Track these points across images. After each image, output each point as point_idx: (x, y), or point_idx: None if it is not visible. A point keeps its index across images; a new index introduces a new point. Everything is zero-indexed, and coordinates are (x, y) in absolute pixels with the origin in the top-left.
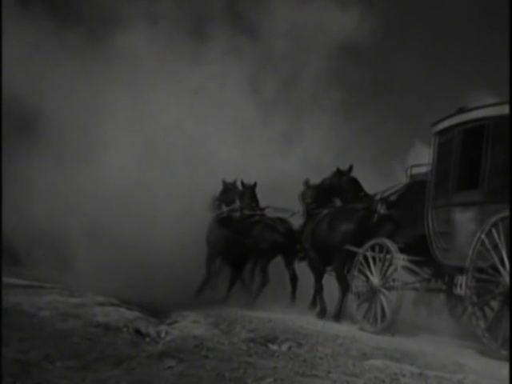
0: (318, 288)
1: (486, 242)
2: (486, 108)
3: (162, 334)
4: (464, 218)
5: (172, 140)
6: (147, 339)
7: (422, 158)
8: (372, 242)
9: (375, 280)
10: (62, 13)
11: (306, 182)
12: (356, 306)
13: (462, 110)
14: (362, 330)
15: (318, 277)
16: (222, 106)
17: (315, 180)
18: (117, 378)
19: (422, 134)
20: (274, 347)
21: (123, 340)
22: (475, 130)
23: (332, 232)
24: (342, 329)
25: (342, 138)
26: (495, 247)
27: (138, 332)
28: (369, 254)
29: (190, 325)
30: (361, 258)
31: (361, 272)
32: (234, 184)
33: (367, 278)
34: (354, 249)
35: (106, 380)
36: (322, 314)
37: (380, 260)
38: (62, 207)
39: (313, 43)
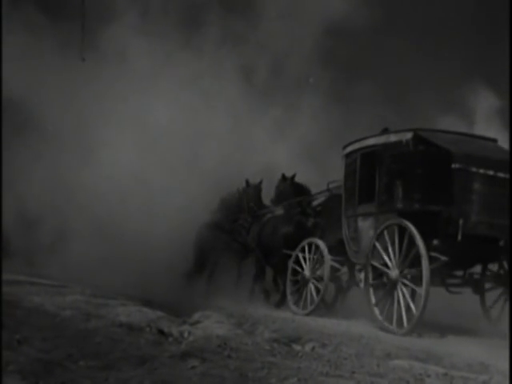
0: (258, 281)
1: (378, 245)
2: (375, 137)
3: (185, 334)
4: (365, 226)
5: (168, 134)
6: (170, 339)
7: None
8: (306, 241)
9: (307, 273)
10: (53, 10)
11: (247, 182)
12: (291, 296)
13: (384, 131)
14: (295, 314)
15: (261, 272)
16: (216, 96)
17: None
18: (140, 377)
19: (414, 120)
20: (298, 347)
21: (146, 340)
22: (369, 155)
23: (274, 235)
24: (365, 328)
25: (334, 124)
26: (385, 249)
27: (160, 332)
28: (303, 252)
29: (213, 325)
30: (296, 255)
31: (296, 267)
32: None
33: (299, 272)
34: (289, 252)
35: (128, 380)
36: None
37: (310, 258)
38: (61, 205)
39: (307, 26)
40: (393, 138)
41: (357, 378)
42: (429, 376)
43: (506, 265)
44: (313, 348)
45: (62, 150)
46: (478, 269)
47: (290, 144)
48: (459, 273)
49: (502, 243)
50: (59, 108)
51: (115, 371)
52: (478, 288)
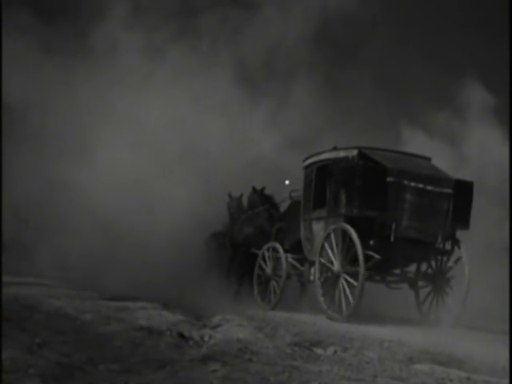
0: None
1: (326, 244)
2: (327, 153)
3: (206, 338)
4: (317, 228)
5: (164, 132)
6: (190, 343)
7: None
8: (268, 245)
9: (269, 271)
10: (43, 10)
11: (229, 195)
12: (257, 292)
13: (333, 149)
14: (260, 308)
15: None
16: (211, 91)
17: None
18: (160, 381)
19: (407, 114)
20: (319, 351)
21: (166, 343)
22: (322, 168)
23: (240, 236)
24: (388, 332)
25: (325, 115)
26: (331, 248)
27: (181, 335)
28: (266, 253)
29: (234, 328)
30: (261, 256)
31: (260, 266)
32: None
33: (263, 269)
34: (255, 251)
35: (149, 383)
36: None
37: (272, 257)
38: (60, 205)
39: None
40: (342, 153)
41: (379, 382)
42: (451, 380)
43: (433, 265)
44: (334, 352)
45: (59, 150)
46: (413, 268)
47: (286, 135)
48: (397, 271)
49: (434, 246)
50: (54, 108)
51: (136, 375)
52: (413, 284)
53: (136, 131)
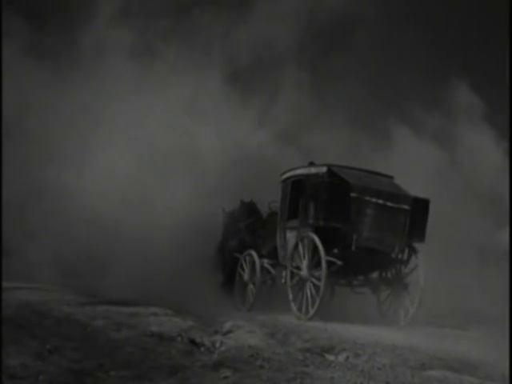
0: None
1: (295, 251)
2: (301, 168)
3: (217, 344)
4: (290, 236)
5: (159, 132)
6: (202, 349)
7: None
8: (245, 252)
9: (246, 276)
10: (34, 15)
11: (223, 210)
12: (238, 295)
13: (310, 164)
14: (238, 310)
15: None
16: (206, 92)
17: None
18: None
19: (396, 111)
20: (331, 357)
21: (177, 350)
22: (297, 182)
23: (227, 244)
24: (399, 338)
25: (319, 114)
26: (300, 255)
27: (192, 342)
28: (244, 260)
29: (245, 335)
30: (239, 263)
31: (240, 272)
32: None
33: (242, 275)
34: (237, 255)
35: None
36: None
37: (249, 262)
38: (61, 207)
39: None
40: (313, 170)
41: None
42: None
43: (392, 272)
44: (346, 358)
45: (57, 153)
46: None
47: (281, 132)
48: (361, 277)
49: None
50: (49, 112)
51: (147, 381)
52: (375, 289)
53: (134, 132)
